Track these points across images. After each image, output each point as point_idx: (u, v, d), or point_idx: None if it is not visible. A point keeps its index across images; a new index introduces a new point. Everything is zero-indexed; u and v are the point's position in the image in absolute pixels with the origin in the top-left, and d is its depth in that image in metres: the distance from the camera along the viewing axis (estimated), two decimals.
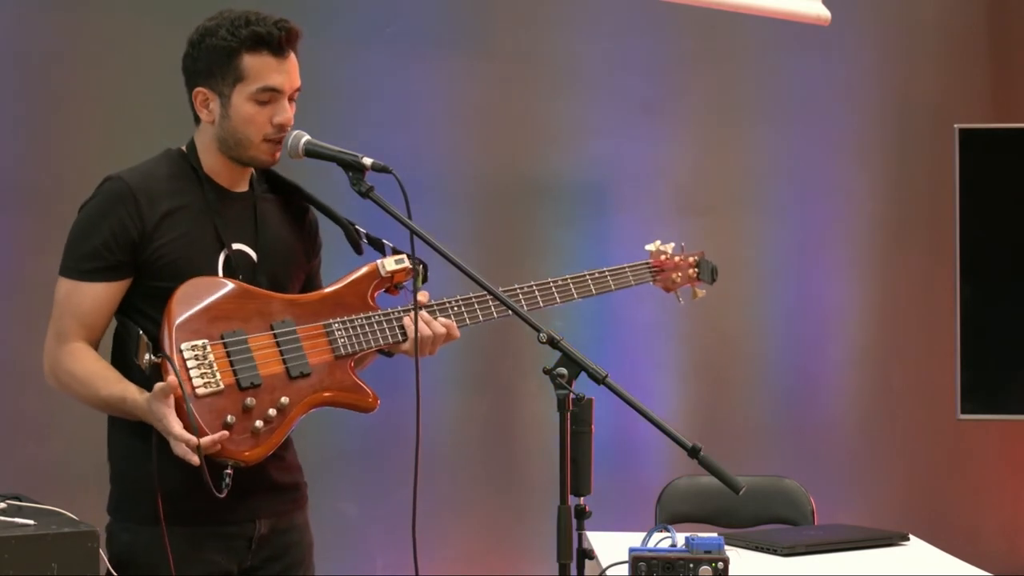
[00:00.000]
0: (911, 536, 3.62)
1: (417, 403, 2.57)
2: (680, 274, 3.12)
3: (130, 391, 2.57)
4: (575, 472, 2.33)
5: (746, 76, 5.10)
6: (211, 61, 2.63)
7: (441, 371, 4.48)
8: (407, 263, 2.74)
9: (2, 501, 2.64)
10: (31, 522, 2.51)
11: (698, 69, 5.06)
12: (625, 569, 2.42)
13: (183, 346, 2.53)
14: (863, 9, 5.15)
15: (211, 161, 2.70)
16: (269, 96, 2.64)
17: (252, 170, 2.75)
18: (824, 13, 4.73)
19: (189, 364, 2.53)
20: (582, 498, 2.34)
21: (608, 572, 2.55)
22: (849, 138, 5.23)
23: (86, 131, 4.08)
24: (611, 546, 2.99)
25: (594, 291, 2.98)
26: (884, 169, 5.29)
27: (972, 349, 4.71)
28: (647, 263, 3.10)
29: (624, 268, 3.05)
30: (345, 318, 2.70)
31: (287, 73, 2.65)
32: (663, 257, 3.11)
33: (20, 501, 2.68)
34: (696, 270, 3.15)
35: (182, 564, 2.61)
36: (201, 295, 2.59)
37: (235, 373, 2.56)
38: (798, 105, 5.16)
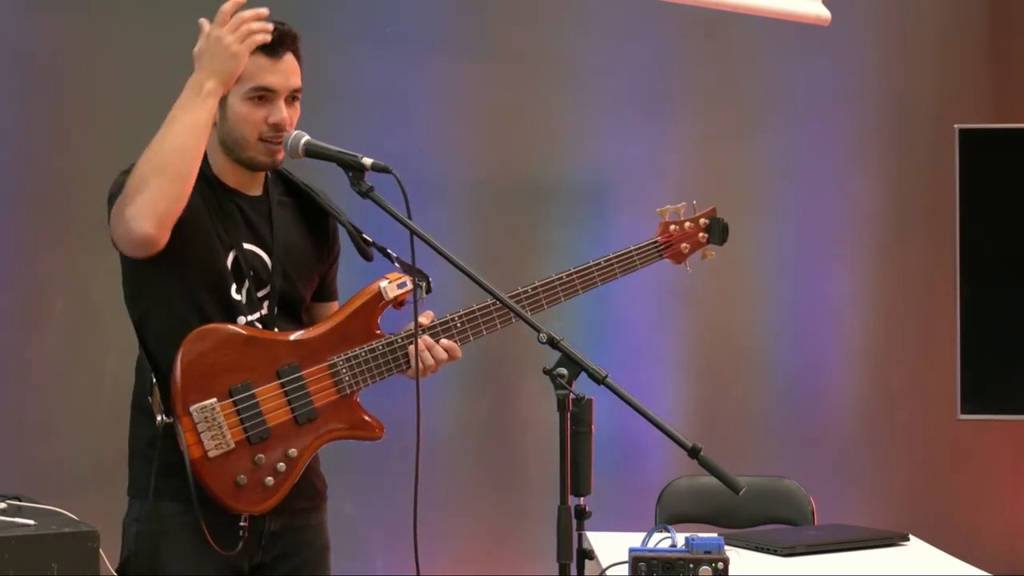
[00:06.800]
0: (911, 536, 3.62)
1: (417, 406, 2.58)
2: (688, 243, 2.99)
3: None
4: (575, 472, 2.32)
5: (746, 76, 5.10)
6: None
7: (441, 371, 4.45)
8: (409, 285, 2.74)
9: (2, 501, 2.64)
10: (31, 522, 2.51)
11: (698, 69, 5.06)
12: (625, 569, 2.42)
13: (192, 409, 2.57)
14: (863, 9, 5.15)
15: (219, 163, 2.72)
16: (263, 95, 2.65)
17: (264, 172, 2.76)
18: (824, 13, 4.72)
19: (200, 427, 2.57)
20: (582, 498, 2.34)
21: (608, 572, 2.55)
22: (849, 138, 5.22)
23: (87, 132, 4.08)
24: (611, 546, 2.98)
25: (600, 283, 2.90)
26: (884, 169, 5.29)
27: (972, 349, 4.70)
28: (654, 241, 2.96)
29: (631, 252, 2.92)
30: (349, 353, 2.71)
31: (281, 73, 2.66)
32: (672, 228, 2.98)
33: (20, 501, 2.68)
34: (706, 234, 3.00)
35: (192, 559, 2.62)
36: (206, 348, 2.61)
37: (245, 431, 2.60)
38: (798, 105, 5.15)
